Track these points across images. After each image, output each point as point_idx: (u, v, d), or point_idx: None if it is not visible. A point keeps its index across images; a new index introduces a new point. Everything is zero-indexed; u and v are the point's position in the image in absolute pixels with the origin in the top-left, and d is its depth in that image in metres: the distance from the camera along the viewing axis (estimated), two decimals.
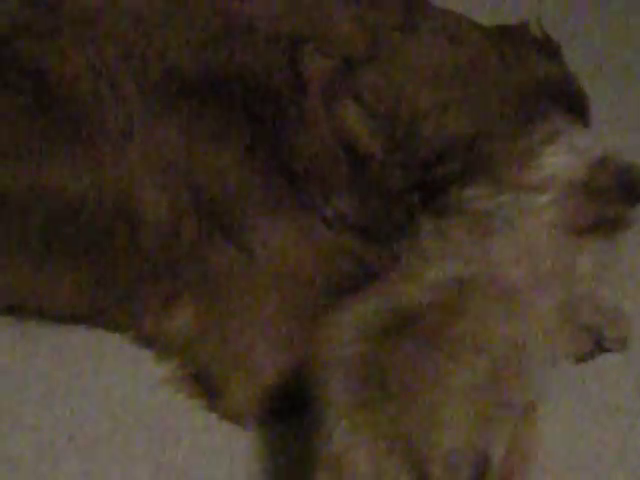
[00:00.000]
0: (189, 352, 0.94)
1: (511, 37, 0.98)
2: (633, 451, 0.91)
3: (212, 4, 0.95)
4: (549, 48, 1.00)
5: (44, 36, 0.91)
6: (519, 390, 0.78)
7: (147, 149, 0.90)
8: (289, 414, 0.90)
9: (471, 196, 0.92)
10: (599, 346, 1.00)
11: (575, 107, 0.97)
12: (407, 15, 0.95)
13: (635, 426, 0.94)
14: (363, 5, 0.95)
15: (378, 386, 0.74)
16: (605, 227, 0.95)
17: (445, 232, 0.90)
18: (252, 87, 0.91)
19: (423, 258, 0.89)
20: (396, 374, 0.74)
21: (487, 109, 0.92)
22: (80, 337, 1.00)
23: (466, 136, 0.91)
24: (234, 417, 0.91)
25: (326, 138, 0.91)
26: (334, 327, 0.81)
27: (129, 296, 0.94)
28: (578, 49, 1.20)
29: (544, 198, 0.92)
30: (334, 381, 0.76)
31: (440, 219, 0.92)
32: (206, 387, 0.93)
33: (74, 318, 0.99)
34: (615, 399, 0.97)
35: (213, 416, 0.93)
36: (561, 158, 0.94)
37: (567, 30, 1.45)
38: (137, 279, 0.93)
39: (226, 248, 0.91)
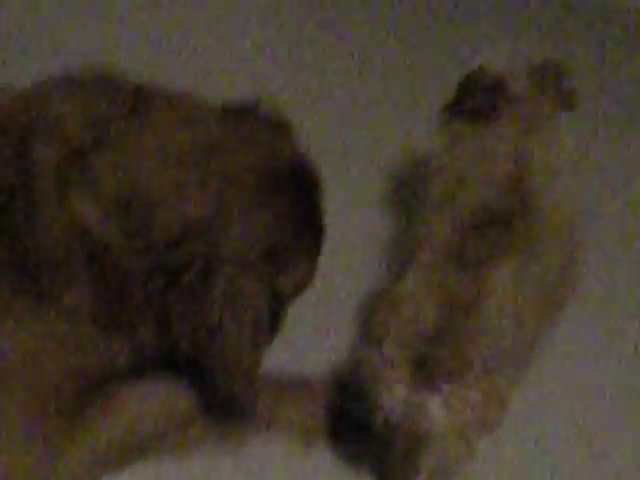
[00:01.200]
0: None
1: (244, 117, 0.98)
2: None
3: None
4: (281, 127, 1.01)
5: None
6: None
7: None
8: None
9: None
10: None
11: (307, 183, 0.98)
12: (137, 101, 0.94)
13: None
14: (91, 95, 0.94)
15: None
16: None
17: None
18: None
19: None
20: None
21: (222, 189, 0.91)
22: None
23: (203, 218, 0.90)
24: None
25: (59, 229, 0.89)
26: None
27: None
28: None
29: None
30: None
31: None
32: None
33: None
34: None
35: None
36: None
37: None
38: None
39: None
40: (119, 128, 0.91)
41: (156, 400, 0.99)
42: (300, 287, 1.02)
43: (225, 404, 0.97)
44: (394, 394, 0.89)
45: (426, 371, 0.88)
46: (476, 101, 1.12)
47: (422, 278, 0.96)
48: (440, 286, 0.94)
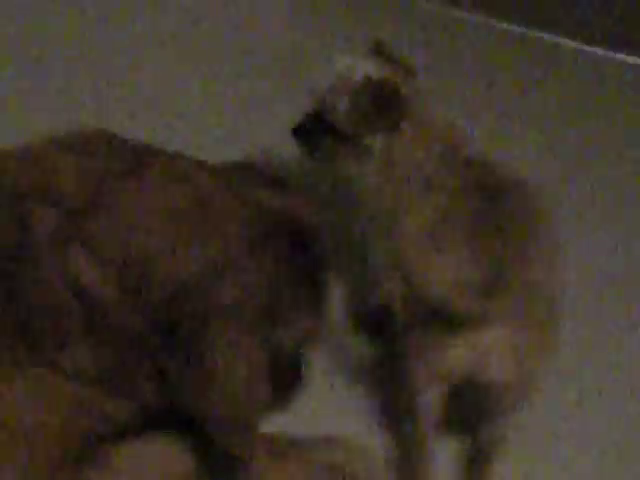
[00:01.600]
0: None
1: (240, 174, 0.99)
2: None
3: None
4: (276, 183, 1.02)
5: None
6: None
7: None
8: None
9: None
10: None
11: (303, 239, 0.99)
12: (132, 160, 0.95)
13: None
14: (88, 155, 0.96)
15: None
16: None
17: None
18: None
19: None
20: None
21: (215, 245, 0.92)
22: None
23: (196, 274, 0.90)
24: None
25: (56, 289, 0.90)
26: None
27: None
28: None
29: None
30: None
31: None
32: None
33: None
34: None
35: None
36: None
37: None
38: None
39: None
40: (115, 187, 0.93)
41: (155, 462, 0.98)
42: (303, 341, 1.02)
43: (221, 460, 0.97)
44: None
45: None
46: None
47: None
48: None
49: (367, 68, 1.14)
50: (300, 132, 1.19)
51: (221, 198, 0.95)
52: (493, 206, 1.03)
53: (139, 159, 0.97)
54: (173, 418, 0.98)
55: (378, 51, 1.18)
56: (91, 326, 0.91)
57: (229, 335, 0.90)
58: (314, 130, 1.17)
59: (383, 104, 1.10)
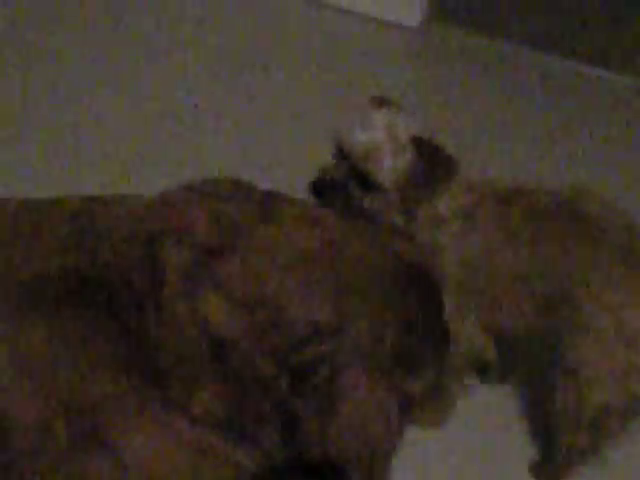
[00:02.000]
0: None
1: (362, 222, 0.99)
2: None
3: (74, 210, 0.98)
4: (397, 230, 1.04)
5: None
6: None
7: (14, 354, 0.90)
8: None
9: None
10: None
11: (428, 286, 0.99)
12: (265, 205, 0.96)
13: None
14: (222, 200, 0.96)
15: None
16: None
17: None
18: (113, 287, 0.91)
19: None
20: None
21: (348, 289, 0.91)
22: None
23: (329, 318, 0.90)
24: None
25: (187, 331, 0.90)
26: None
27: None
28: None
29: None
30: None
31: None
32: None
33: None
34: None
35: None
36: None
37: None
38: None
39: (96, 456, 0.90)
40: (249, 229, 0.93)
41: None
42: (428, 392, 1.02)
43: None
44: None
45: None
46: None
47: None
48: None
49: (410, 126, 1.12)
50: (320, 188, 1.16)
51: (351, 241, 0.95)
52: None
53: (271, 205, 0.97)
54: (299, 469, 0.97)
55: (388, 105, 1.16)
56: (220, 368, 0.90)
57: (363, 383, 0.89)
58: (334, 186, 1.15)
59: (437, 165, 1.10)
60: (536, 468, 1.25)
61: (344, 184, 1.14)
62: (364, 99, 1.20)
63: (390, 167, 1.11)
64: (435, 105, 2.05)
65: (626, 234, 1.07)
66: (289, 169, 1.75)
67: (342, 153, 1.15)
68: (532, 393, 1.37)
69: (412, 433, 1.08)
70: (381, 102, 1.16)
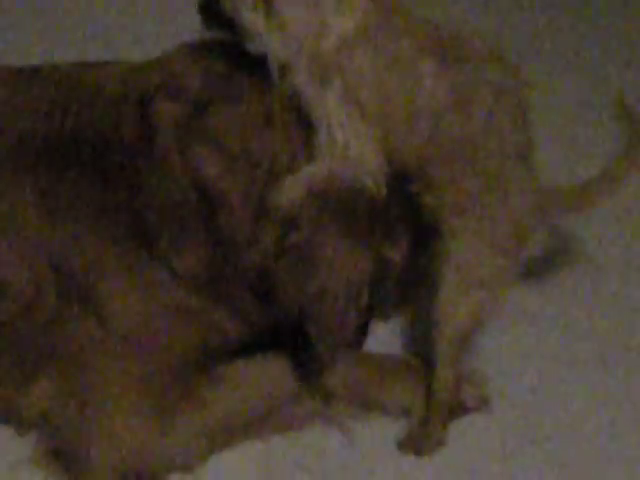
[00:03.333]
0: (48, 427, 0.92)
1: None
2: None
3: (61, 76, 0.97)
4: None
5: None
6: None
7: (4, 212, 0.90)
8: None
9: None
10: (462, 407, 1.02)
11: None
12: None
13: None
14: (211, 57, 0.95)
15: None
16: None
17: None
18: (102, 144, 0.91)
19: None
20: None
21: None
22: None
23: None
24: None
25: (179, 184, 0.90)
26: None
27: None
28: None
29: None
30: None
31: None
32: (67, 463, 0.91)
33: None
34: None
35: None
36: None
37: None
38: None
39: (84, 318, 0.91)
40: (239, 83, 0.92)
41: (264, 378, 0.98)
42: (406, 266, 1.03)
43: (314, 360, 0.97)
44: None
45: None
46: None
47: None
48: None
49: None
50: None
51: None
52: None
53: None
54: (277, 338, 0.99)
55: None
56: (207, 226, 0.91)
57: (341, 243, 0.90)
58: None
59: None
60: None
61: None
62: None
63: None
64: None
65: None
66: None
67: None
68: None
69: None
70: None
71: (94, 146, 0.91)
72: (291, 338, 0.98)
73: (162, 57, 0.98)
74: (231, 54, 0.93)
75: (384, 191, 0.89)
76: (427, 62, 0.87)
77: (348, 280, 0.91)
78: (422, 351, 1.07)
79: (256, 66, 0.90)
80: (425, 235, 0.96)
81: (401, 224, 0.98)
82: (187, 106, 0.91)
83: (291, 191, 0.88)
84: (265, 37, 0.87)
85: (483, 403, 1.03)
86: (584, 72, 1.72)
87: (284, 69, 0.89)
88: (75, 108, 0.93)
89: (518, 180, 0.92)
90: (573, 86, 1.67)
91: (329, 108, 0.87)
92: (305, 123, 0.89)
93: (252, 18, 0.87)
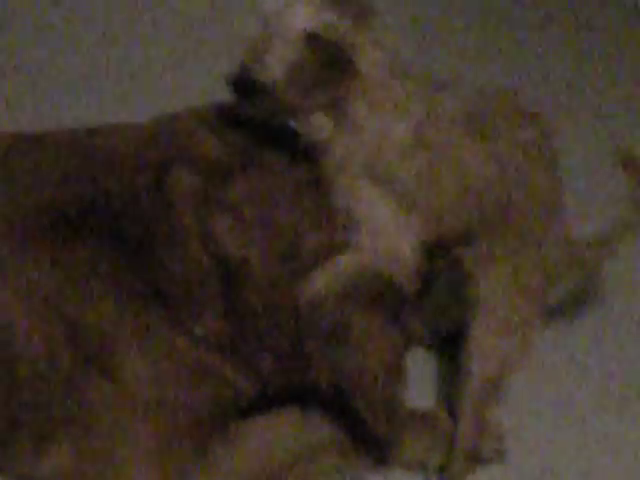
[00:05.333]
0: None
1: None
2: None
3: (73, 142, 0.97)
4: None
5: None
6: None
7: (20, 287, 0.90)
8: None
9: None
10: (478, 458, 1.03)
11: None
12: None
13: None
14: (227, 126, 0.97)
15: None
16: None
17: None
18: (119, 214, 0.91)
19: None
20: None
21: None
22: None
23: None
24: None
25: (196, 252, 0.90)
26: None
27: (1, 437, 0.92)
28: None
29: None
30: None
31: None
32: None
33: None
34: None
35: None
36: None
37: None
38: (11, 417, 0.91)
39: (100, 381, 0.90)
40: (257, 153, 0.94)
41: (279, 435, 0.98)
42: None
43: (369, 438, 0.98)
44: None
45: None
46: None
47: None
48: None
49: (303, 14, 0.89)
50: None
51: None
52: None
53: None
54: (296, 394, 1.00)
55: None
56: (226, 291, 0.91)
57: (373, 318, 0.91)
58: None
59: (327, 71, 0.88)
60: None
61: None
62: None
63: (273, 63, 0.90)
64: None
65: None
66: None
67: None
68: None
69: None
70: None
71: (111, 215, 0.91)
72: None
73: (174, 124, 0.98)
74: (243, 122, 0.95)
75: (415, 285, 0.93)
76: (471, 145, 0.91)
77: (383, 358, 0.92)
78: (447, 400, 1.09)
79: (277, 139, 0.93)
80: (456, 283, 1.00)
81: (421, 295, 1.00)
82: (205, 176, 0.92)
83: (322, 281, 0.90)
84: (324, 133, 0.91)
85: (500, 455, 1.04)
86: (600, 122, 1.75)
87: (321, 154, 0.92)
88: (90, 177, 0.93)
89: (551, 231, 0.97)
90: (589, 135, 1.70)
91: (376, 206, 0.91)
92: (330, 206, 0.92)
93: (319, 117, 0.90)
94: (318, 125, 0.91)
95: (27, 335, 0.89)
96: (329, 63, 0.88)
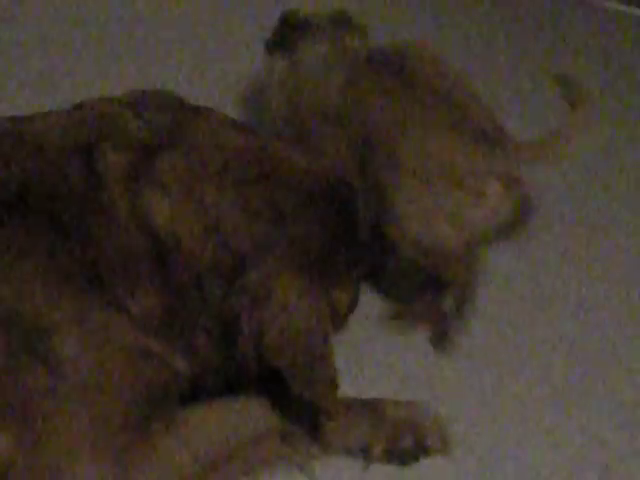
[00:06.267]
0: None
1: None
2: None
3: (0, 128, 1.00)
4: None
5: None
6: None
7: None
8: None
9: None
10: (422, 446, 1.05)
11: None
12: (195, 112, 1.02)
13: None
14: (154, 108, 1.01)
15: None
16: None
17: None
18: (50, 195, 0.93)
19: None
20: None
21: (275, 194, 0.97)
22: None
23: (267, 230, 0.95)
24: None
25: (129, 229, 0.92)
26: None
27: None
28: None
29: None
30: None
31: None
32: None
33: None
34: None
35: None
36: None
37: None
38: None
39: (37, 367, 0.90)
40: (182, 133, 0.98)
41: (223, 422, 0.99)
42: (350, 308, 1.07)
43: (305, 410, 0.99)
44: None
45: None
46: (283, 36, 1.31)
47: None
48: None
49: None
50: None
51: (272, 148, 1.01)
52: None
53: (203, 111, 1.03)
54: (235, 377, 1.00)
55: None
56: (160, 270, 0.93)
57: (294, 286, 0.93)
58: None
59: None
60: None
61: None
62: None
63: None
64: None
65: (450, 88, 1.15)
66: None
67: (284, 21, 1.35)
68: None
69: None
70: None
71: (41, 197, 0.92)
72: (261, 382, 0.99)
73: (99, 108, 1.02)
74: (172, 107, 1.01)
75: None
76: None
77: (307, 318, 0.93)
78: None
79: None
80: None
81: (347, 268, 1.02)
82: (132, 153, 0.95)
83: None
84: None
85: (444, 445, 1.05)
86: None
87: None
88: (19, 161, 0.94)
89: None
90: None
91: None
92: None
93: None
94: None
95: None
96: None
